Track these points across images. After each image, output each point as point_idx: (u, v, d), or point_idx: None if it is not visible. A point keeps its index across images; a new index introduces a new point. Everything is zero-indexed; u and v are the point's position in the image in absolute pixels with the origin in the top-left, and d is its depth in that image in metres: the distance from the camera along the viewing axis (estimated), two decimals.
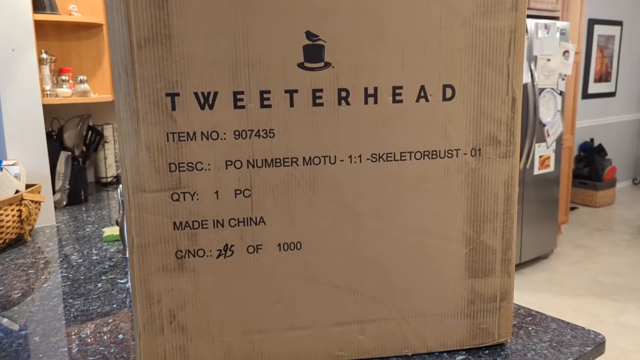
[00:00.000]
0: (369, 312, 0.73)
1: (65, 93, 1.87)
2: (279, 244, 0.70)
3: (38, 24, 1.71)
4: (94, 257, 1.25)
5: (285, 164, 0.68)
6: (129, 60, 0.63)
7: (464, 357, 0.76)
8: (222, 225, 0.68)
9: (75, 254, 1.29)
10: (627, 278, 3.23)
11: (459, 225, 0.73)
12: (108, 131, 2.09)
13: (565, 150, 3.72)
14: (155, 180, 0.66)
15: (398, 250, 0.72)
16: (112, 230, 1.41)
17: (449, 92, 0.70)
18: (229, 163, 0.67)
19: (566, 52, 3.18)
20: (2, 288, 1.08)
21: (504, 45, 0.69)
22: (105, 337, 0.85)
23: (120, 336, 0.86)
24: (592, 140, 4.96)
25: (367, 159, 0.70)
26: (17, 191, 1.38)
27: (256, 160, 0.67)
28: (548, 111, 3.17)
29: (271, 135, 0.67)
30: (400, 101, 0.69)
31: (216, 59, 0.64)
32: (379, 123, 0.69)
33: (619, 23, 5.01)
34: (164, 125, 0.65)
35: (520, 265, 3.35)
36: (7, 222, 1.32)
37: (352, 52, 0.66)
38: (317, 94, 0.67)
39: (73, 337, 0.86)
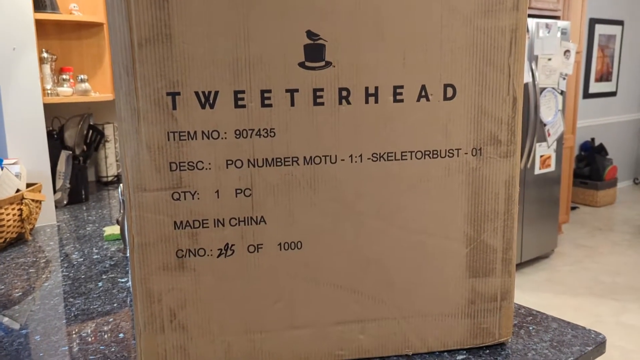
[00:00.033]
0: (369, 311, 0.73)
1: (66, 92, 1.87)
2: (280, 244, 0.70)
3: (39, 23, 1.71)
4: (94, 256, 1.25)
5: (286, 163, 0.68)
6: (129, 60, 0.63)
7: (464, 356, 0.76)
8: (223, 225, 0.68)
9: (76, 253, 1.29)
10: (627, 278, 3.23)
11: (459, 224, 0.73)
12: (109, 130, 2.09)
13: (566, 149, 3.72)
14: (155, 179, 0.66)
15: (399, 249, 0.72)
16: (113, 230, 1.41)
17: (449, 91, 0.70)
18: (229, 162, 0.67)
19: (567, 51, 3.18)
20: (2, 287, 1.08)
21: (505, 45, 0.69)
22: (105, 336, 0.86)
23: (121, 335, 0.86)
24: (592, 139, 4.96)
25: (368, 159, 0.70)
26: (17, 190, 1.38)
27: (257, 159, 0.67)
28: (549, 111, 3.16)
29: (272, 134, 0.67)
30: (401, 100, 0.69)
31: (217, 58, 0.64)
32: (380, 122, 0.69)
33: (620, 22, 5.01)
34: (165, 125, 0.65)
35: (520, 265, 3.35)
36: (8, 221, 1.32)
37: (353, 51, 0.66)
38: (318, 93, 0.67)
39: (74, 336, 0.86)
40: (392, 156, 0.70)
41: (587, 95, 4.89)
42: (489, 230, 0.74)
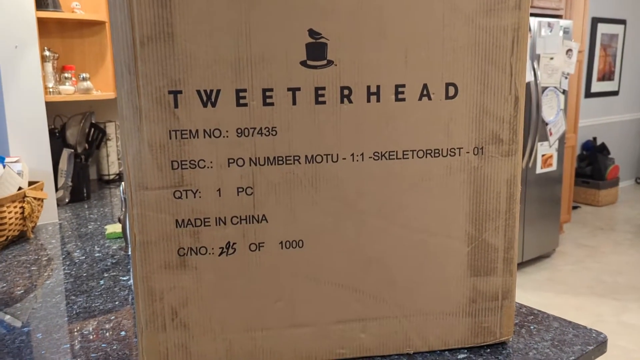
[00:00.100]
0: (370, 310, 0.73)
1: (68, 90, 1.87)
2: (281, 242, 0.70)
3: (41, 21, 1.71)
4: (96, 255, 1.25)
5: (288, 162, 0.68)
6: (131, 58, 0.63)
7: (465, 355, 0.76)
8: (224, 223, 0.68)
9: (78, 251, 1.29)
10: (629, 277, 3.23)
11: (461, 223, 0.73)
12: (110, 128, 2.10)
13: (567, 149, 3.71)
14: (157, 177, 0.66)
15: (400, 248, 0.72)
16: (115, 228, 1.41)
17: (451, 90, 0.69)
18: (231, 161, 0.67)
19: (569, 50, 3.17)
20: (4, 285, 1.08)
21: (507, 44, 0.69)
22: (107, 334, 0.86)
23: (123, 333, 0.86)
24: (594, 139, 4.95)
25: (370, 158, 0.70)
26: (19, 188, 1.38)
27: (258, 158, 0.67)
28: (551, 110, 3.16)
29: (273, 133, 0.67)
30: (403, 99, 0.69)
31: (219, 57, 0.64)
32: (382, 121, 0.69)
33: (622, 22, 5.00)
34: (167, 123, 0.65)
35: (522, 264, 3.35)
36: (10, 219, 1.32)
37: (354, 50, 0.66)
38: (320, 92, 0.67)
39: (75, 334, 0.87)
40: (393, 155, 0.70)
41: (589, 94, 4.88)
42: (491, 229, 0.74)
